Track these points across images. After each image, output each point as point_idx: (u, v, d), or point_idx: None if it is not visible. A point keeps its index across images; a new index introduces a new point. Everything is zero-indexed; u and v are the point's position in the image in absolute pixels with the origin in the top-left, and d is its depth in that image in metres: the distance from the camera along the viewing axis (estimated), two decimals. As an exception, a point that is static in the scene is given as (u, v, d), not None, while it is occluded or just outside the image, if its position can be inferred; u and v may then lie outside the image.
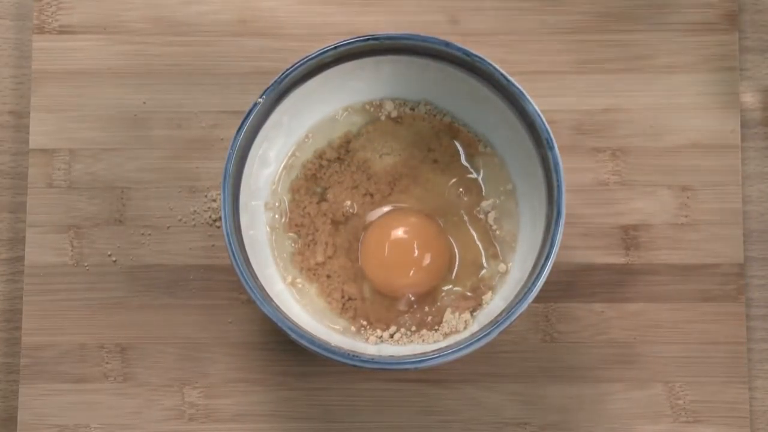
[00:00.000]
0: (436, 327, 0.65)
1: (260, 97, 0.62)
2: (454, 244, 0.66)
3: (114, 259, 0.69)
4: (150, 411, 0.68)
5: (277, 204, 0.67)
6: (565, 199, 0.60)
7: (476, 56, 0.62)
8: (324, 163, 0.67)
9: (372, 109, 0.67)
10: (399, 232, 0.65)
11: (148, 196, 0.70)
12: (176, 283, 0.69)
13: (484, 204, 0.66)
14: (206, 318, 0.69)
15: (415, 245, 0.65)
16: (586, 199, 0.69)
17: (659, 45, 0.71)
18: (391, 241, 0.65)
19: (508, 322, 0.59)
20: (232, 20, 0.71)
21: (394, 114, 0.67)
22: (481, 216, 0.66)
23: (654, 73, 0.70)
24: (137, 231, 0.69)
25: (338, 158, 0.67)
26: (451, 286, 0.66)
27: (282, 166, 0.67)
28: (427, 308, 0.65)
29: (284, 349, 0.68)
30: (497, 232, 0.66)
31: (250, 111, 0.62)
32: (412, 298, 0.65)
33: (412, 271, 0.65)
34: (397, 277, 0.65)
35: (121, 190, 0.70)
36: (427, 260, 0.65)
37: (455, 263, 0.66)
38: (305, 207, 0.67)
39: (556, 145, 0.61)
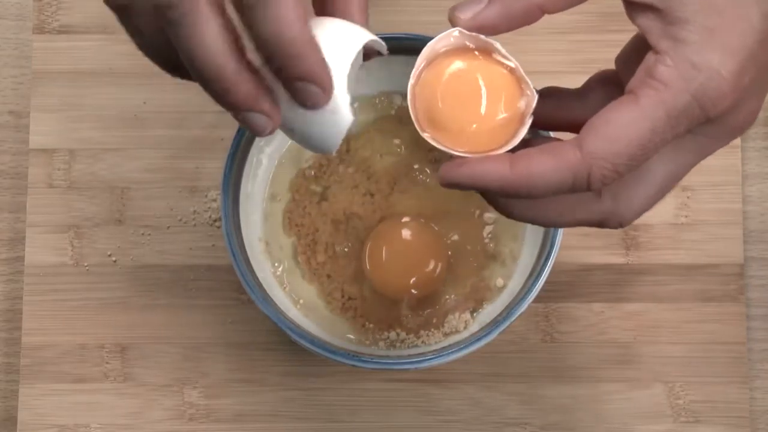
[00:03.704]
0: (437, 327, 0.64)
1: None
2: (456, 242, 0.66)
3: (114, 259, 0.69)
4: (150, 411, 0.68)
5: (276, 204, 0.67)
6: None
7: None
8: (324, 162, 0.67)
9: (374, 105, 0.67)
10: (403, 238, 0.65)
11: (148, 196, 0.70)
12: (176, 283, 0.69)
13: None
14: (206, 318, 0.69)
15: (418, 251, 0.65)
16: (586, 199, 0.69)
17: (659, 45, 0.70)
18: (395, 247, 0.65)
19: (507, 323, 0.59)
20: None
21: (394, 111, 0.67)
22: (483, 216, 0.66)
23: (654, 73, 0.70)
24: (137, 231, 0.69)
25: (338, 158, 0.67)
26: (452, 287, 0.66)
27: (282, 165, 0.67)
28: (427, 309, 0.65)
29: (284, 349, 0.68)
30: (500, 232, 0.66)
31: (250, 111, 0.62)
32: (414, 298, 0.65)
33: (414, 276, 0.65)
34: (401, 281, 0.65)
35: (121, 190, 0.70)
36: (430, 265, 0.65)
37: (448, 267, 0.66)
38: (305, 207, 0.66)
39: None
